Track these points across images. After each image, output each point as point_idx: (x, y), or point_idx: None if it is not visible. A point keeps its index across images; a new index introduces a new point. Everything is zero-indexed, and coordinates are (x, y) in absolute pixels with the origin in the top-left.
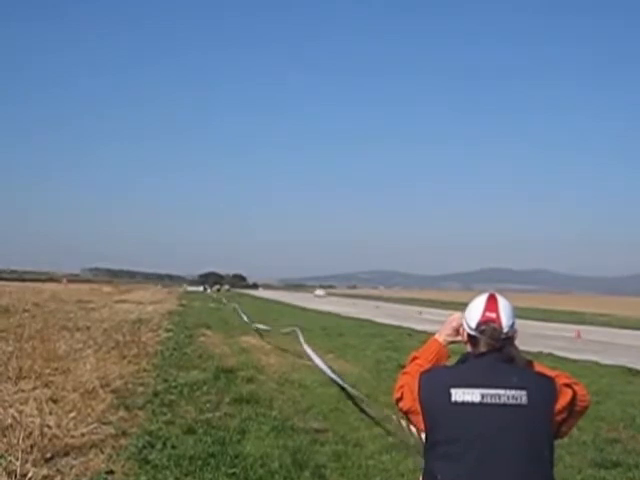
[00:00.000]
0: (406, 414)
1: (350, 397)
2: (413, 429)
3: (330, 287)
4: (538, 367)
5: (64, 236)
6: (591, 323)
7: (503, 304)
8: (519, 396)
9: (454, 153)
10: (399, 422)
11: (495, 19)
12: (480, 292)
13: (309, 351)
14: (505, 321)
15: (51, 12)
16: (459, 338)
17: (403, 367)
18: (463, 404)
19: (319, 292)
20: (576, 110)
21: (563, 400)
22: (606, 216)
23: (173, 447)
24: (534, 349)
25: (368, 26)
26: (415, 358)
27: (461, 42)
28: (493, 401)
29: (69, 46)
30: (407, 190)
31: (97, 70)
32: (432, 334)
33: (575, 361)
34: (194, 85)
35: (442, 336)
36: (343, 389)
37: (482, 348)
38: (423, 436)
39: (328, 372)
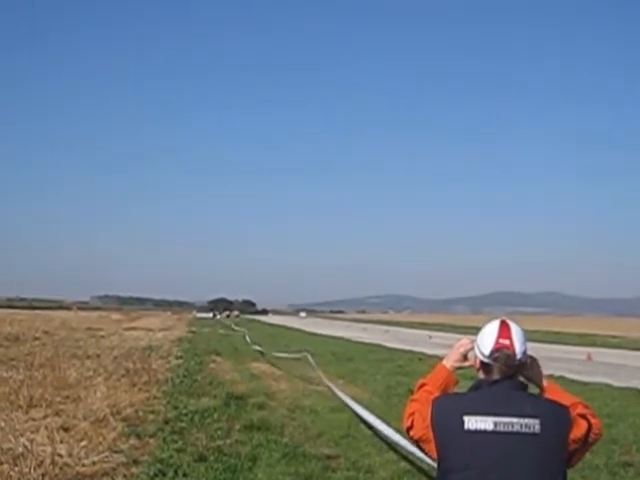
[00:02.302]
0: (417, 442)
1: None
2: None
3: (339, 312)
4: (553, 390)
5: (73, 264)
6: (602, 345)
7: (516, 330)
8: (532, 424)
9: (462, 176)
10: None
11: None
12: (490, 315)
13: (325, 380)
14: (518, 347)
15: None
16: (467, 364)
17: (413, 392)
18: (476, 432)
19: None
20: (583, 130)
21: (578, 431)
22: (616, 238)
23: (184, 475)
24: (545, 372)
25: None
26: (423, 385)
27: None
28: (506, 429)
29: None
30: (416, 214)
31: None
32: (443, 358)
33: (586, 384)
34: (201, 106)
35: (450, 362)
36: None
37: (495, 375)
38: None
39: (348, 401)
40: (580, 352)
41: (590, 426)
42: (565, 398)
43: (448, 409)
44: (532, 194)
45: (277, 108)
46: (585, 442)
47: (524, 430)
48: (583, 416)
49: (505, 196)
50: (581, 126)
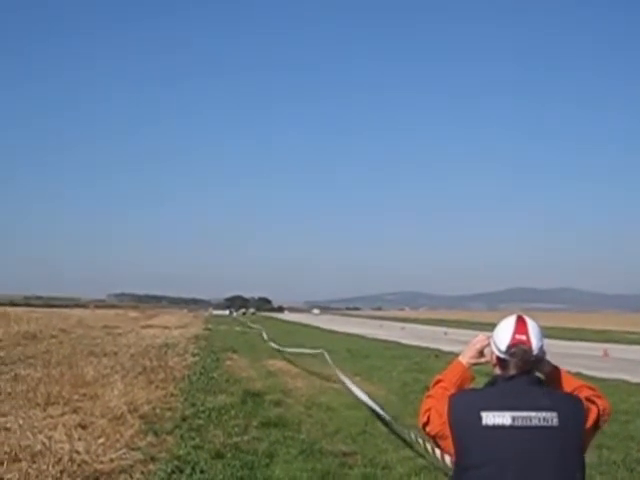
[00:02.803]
0: (434, 438)
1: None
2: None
3: (355, 309)
4: (557, 373)
5: (89, 262)
6: (619, 341)
7: (532, 326)
8: (550, 418)
9: (477, 173)
10: (425, 446)
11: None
12: (506, 312)
13: (342, 377)
14: (535, 343)
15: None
16: (483, 360)
17: (429, 389)
18: (494, 427)
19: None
20: (597, 129)
21: (591, 419)
22: (633, 234)
23: (202, 472)
24: (563, 369)
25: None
26: (439, 381)
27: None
28: (524, 424)
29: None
30: (432, 212)
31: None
32: (459, 355)
33: (604, 380)
34: (207, 105)
35: (466, 358)
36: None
37: (512, 371)
38: (447, 459)
39: (363, 397)
40: (597, 348)
41: (598, 410)
42: (569, 382)
43: (465, 405)
44: (549, 190)
45: (285, 104)
46: (597, 427)
47: (542, 424)
48: (590, 400)
49: (522, 192)
50: (592, 123)
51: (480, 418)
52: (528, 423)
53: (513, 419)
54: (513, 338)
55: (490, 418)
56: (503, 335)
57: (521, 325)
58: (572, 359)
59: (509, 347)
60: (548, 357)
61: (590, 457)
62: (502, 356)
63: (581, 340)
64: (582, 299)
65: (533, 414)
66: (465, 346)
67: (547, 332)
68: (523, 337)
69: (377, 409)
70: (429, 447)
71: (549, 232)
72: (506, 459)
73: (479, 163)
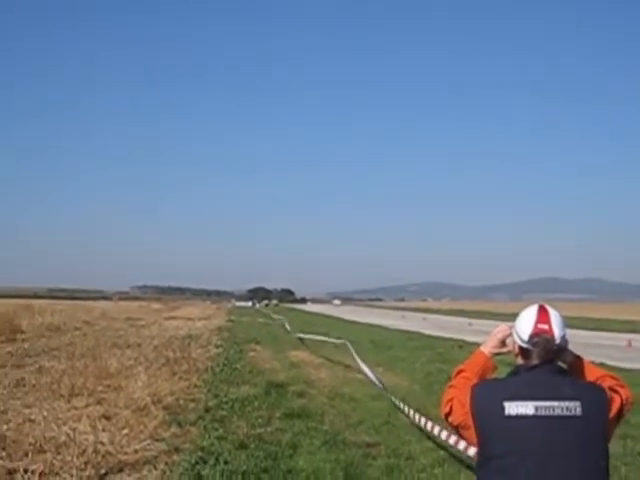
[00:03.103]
0: (456, 428)
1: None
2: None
3: (378, 300)
4: (580, 363)
5: (113, 255)
6: None
7: (554, 315)
8: (573, 407)
9: (499, 164)
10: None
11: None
12: (529, 302)
13: (365, 368)
14: (557, 332)
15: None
16: (505, 350)
17: (451, 379)
18: (517, 417)
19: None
20: (617, 119)
21: (614, 408)
22: None
23: (226, 462)
24: (586, 359)
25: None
26: (461, 371)
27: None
28: (547, 413)
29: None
30: (454, 202)
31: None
32: (481, 345)
33: (628, 370)
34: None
35: (488, 348)
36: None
37: (534, 360)
38: (470, 450)
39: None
40: (621, 339)
41: (621, 399)
42: (591, 371)
43: (488, 395)
44: (574, 179)
45: (298, 95)
46: (620, 416)
47: (565, 413)
48: (613, 389)
49: (546, 182)
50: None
51: (503, 408)
52: (551, 413)
53: (536, 409)
54: (535, 327)
55: (513, 408)
56: (525, 325)
57: (543, 314)
58: (596, 349)
59: (531, 337)
60: (572, 347)
61: (614, 447)
62: (524, 346)
63: (605, 330)
64: (606, 289)
65: (556, 404)
66: (488, 336)
67: (571, 322)
68: (545, 326)
69: (373, 378)
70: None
71: (573, 222)
72: (529, 449)
73: (500, 151)
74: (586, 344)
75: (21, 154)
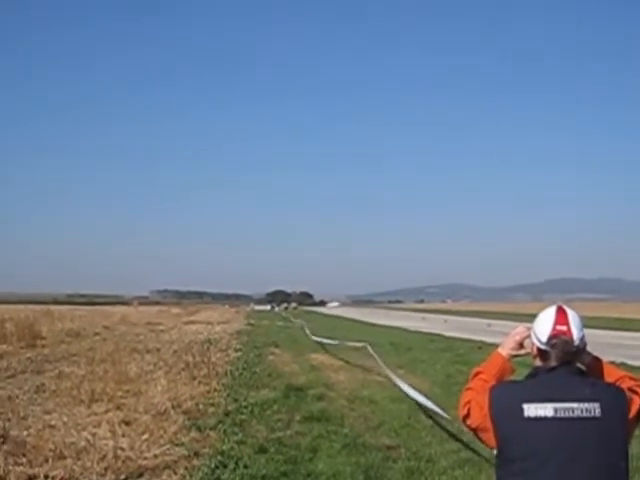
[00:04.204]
0: (474, 431)
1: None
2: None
3: (397, 302)
4: (598, 364)
5: (132, 260)
6: None
7: (572, 316)
8: (592, 409)
9: (516, 165)
10: None
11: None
12: (549, 303)
13: (390, 373)
14: (576, 333)
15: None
16: (523, 352)
17: (468, 381)
18: (536, 419)
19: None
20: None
21: (634, 409)
22: None
23: (245, 467)
24: (606, 358)
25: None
26: (479, 373)
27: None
28: (567, 415)
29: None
30: (472, 203)
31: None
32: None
33: None
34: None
35: (505, 350)
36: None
37: (553, 362)
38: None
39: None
40: None
41: None
42: (610, 372)
43: (507, 397)
44: (592, 179)
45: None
46: (639, 418)
47: (585, 415)
48: (633, 390)
49: (564, 181)
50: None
51: (522, 410)
52: (570, 414)
53: (555, 410)
54: (554, 329)
55: (532, 410)
56: (544, 326)
57: (561, 316)
58: (617, 349)
59: (550, 338)
60: (592, 347)
61: (634, 448)
62: (543, 347)
63: (626, 330)
64: (626, 288)
65: (575, 405)
66: (506, 338)
67: (591, 322)
68: (564, 328)
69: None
70: None
71: (593, 221)
72: (549, 451)
73: (517, 152)
74: (607, 344)
75: (37, 159)
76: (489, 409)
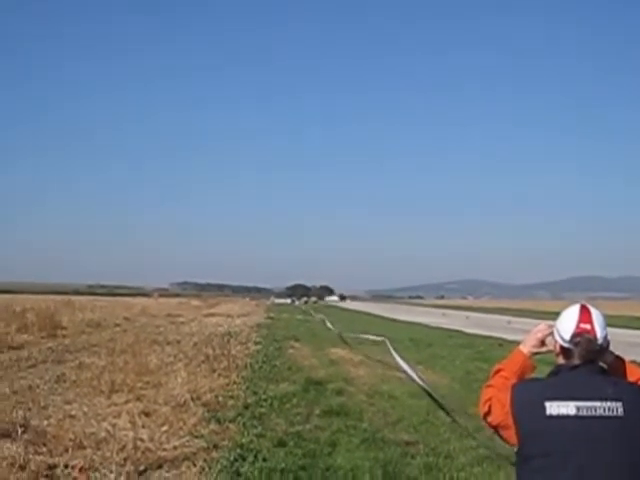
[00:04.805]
0: (495, 428)
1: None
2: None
3: (418, 298)
4: (620, 363)
5: (153, 252)
6: None
7: (596, 315)
8: (615, 407)
9: (539, 163)
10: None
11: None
12: (570, 301)
13: (405, 365)
14: (599, 332)
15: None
16: (544, 349)
17: (489, 378)
18: (558, 417)
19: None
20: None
21: None
22: None
23: (264, 460)
24: (627, 358)
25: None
26: (499, 370)
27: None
28: (589, 413)
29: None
30: (494, 200)
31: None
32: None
33: None
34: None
35: (527, 347)
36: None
37: (576, 360)
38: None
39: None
40: None
41: None
42: (632, 371)
43: (529, 395)
44: (614, 178)
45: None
46: None
47: (607, 414)
48: None
49: (586, 180)
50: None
51: (544, 408)
52: (593, 413)
53: (577, 409)
54: (577, 327)
55: (554, 408)
56: (567, 324)
57: (585, 314)
58: (637, 348)
59: (573, 336)
60: (614, 346)
61: None
62: (566, 345)
63: None
64: None
65: (598, 404)
66: (527, 335)
67: (613, 321)
68: (587, 326)
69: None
70: None
71: (614, 219)
72: (570, 449)
73: (539, 150)
74: (629, 343)
75: (59, 152)
76: (511, 407)
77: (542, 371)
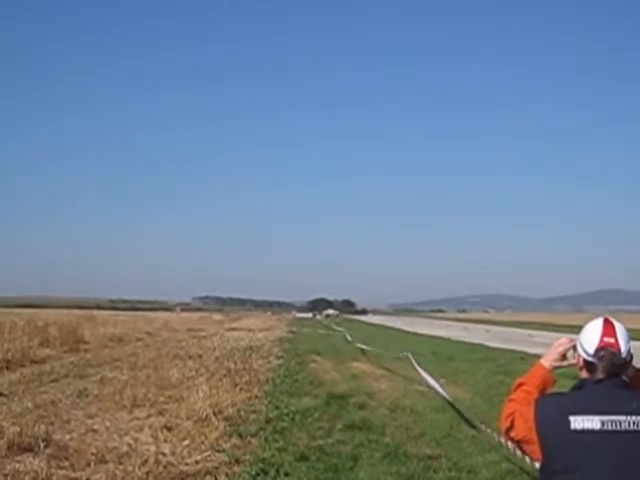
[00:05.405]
0: (518, 443)
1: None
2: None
3: (439, 311)
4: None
5: (175, 266)
6: None
7: (620, 328)
8: (639, 422)
9: (560, 175)
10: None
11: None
12: (592, 314)
13: (429, 378)
14: (623, 346)
15: None
16: (565, 363)
17: (510, 392)
18: (583, 432)
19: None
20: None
21: None
22: None
23: (286, 474)
24: None
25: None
26: (521, 384)
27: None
28: (614, 428)
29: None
30: (514, 214)
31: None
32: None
33: None
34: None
35: (548, 361)
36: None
37: (600, 374)
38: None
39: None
40: None
41: None
42: None
43: (553, 409)
44: (635, 191)
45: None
46: None
47: (632, 428)
48: None
49: (607, 192)
50: None
51: (569, 422)
52: (618, 427)
53: (602, 423)
54: (601, 341)
55: (579, 422)
56: (591, 338)
57: (609, 328)
58: None
59: (597, 350)
60: (637, 360)
61: None
62: (590, 359)
63: None
64: None
65: (623, 418)
66: (549, 349)
67: (635, 334)
68: (611, 340)
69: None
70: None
71: (635, 232)
72: (596, 464)
73: (560, 167)
74: None
75: (80, 163)
76: (535, 421)
77: (563, 385)
